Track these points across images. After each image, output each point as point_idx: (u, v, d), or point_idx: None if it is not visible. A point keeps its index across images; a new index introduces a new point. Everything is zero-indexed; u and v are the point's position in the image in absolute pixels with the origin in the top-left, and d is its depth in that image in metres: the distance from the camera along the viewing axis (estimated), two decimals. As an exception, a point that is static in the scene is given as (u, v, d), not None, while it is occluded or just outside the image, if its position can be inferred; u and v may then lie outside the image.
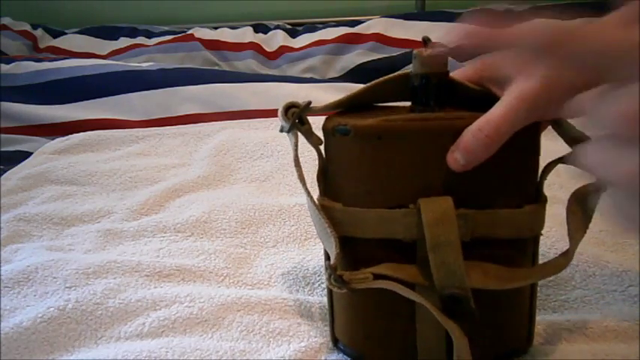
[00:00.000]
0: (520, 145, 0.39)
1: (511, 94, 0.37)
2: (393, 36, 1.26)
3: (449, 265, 0.37)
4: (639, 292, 0.52)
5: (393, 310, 0.42)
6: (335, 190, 0.43)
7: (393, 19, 1.30)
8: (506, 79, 0.39)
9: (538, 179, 0.42)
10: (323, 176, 0.44)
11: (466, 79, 0.43)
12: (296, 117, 0.42)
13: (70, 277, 0.55)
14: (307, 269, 0.58)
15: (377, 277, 0.39)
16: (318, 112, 0.43)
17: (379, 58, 1.22)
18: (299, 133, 0.43)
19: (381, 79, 0.43)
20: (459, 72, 0.44)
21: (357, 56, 1.24)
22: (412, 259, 0.40)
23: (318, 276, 0.57)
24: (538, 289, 0.52)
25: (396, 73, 0.43)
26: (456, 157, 0.38)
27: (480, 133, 0.37)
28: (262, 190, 0.77)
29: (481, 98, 0.41)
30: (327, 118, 0.43)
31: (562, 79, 0.36)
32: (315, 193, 0.44)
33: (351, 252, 0.41)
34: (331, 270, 0.38)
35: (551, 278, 0.54)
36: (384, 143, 0.39)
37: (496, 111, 0.37)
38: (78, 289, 0.53)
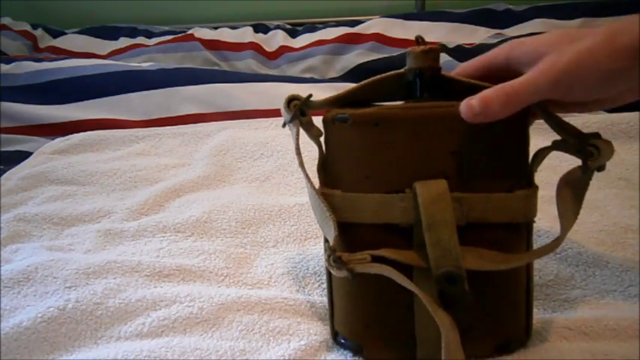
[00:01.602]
0: (510, 132, 0.41)
1: (540, 65, 0.39)
2: (393, 36, 1.26)
3: (444, 243, 0.39)
4: (639, 292, 0.52)
5: (393, 299, 0.43)
6: (334, 178, 0.44)
7: (393, 19, 1.30)
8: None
9: (529, 166, 0.44)
10: (323, 168, 0.46)
11: (467, 75, 0.45)
12: (298, 109, 0.45)
13: (70, 277, 0.55)
14: (307, 269, 0.58)
15: (375, 259, 0.40)
16: (317, 105, 0.46)
17: (379, 58, 1.22)
18: (300, 126, 0.46)
19: (377, 76, 0.45)
20: (460, 69, 0.46)
21: (356, 56, 1.24)
22: (409, 244, 0.42)
23: (318, 276, 0.57)
24: (538, 288, 0.52)
25: (391, 72, 0.45)
26: (472, 104, 0.39)
27: (501, 89, 0.39)
28: (262, 190, 0.77)
29: (474, 91, 0.42)
30: (326, 111, 0.45)
31: (596, 61, 0.38)
32: (316, 187, 0.45)
33: (350, 237, 0.43)
34: (330, 251, 0.40)
35: (550, 278, 0.55)
36: (381, 129, 0.41)
37: (521, 77, 0.39)
38: (78, 289, 0.53)
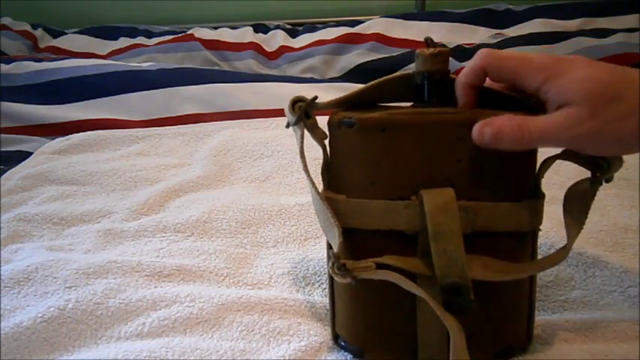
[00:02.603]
0: None
1: (562, 119, 0.37)
2: (393, 36, 1.26)
3: (450, 254, 0.38)
4: (639, 292, 0.52)
5: (395, 302, 0.42)
6: (339, 182, 0.44)
7: (393, 19, 1.30)
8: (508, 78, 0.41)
9: (536, 175, 0.43)
10: (327, 171, 0.45)
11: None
12: (303, 111, 0.44)
13: (70, 277, 0.55)
14: (307, 269, 0.58)
15: (379, 267, 0.40)
16: (323, 107, 0.45)
17: (379, 58, 1.22)
18: (304, 129, 0.45)
19: (384, 78, 0.44)
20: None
21: (357, 56, 1.24)
22: (414, 251, 0.41)
23: (318, 276, 0.57)
24: (538, 289, 0.52)
25: (398, 73, 0.45)
26: (485, 131, 0.39)
27: (517, 126, 0.38)
28: (262, 190, 0.77)
29: (484, 95, 0.42)
30: (332, 113, 0.44)
31: (620, 134, 0.37)
32: (319, 190, 0.44)
33: (354, 243, 0.42)
34: (334, 258, 0.39)
35: (550, 279, 0.55)
36: (388, 135, 0.41)
37: (540, 120, 0.38)
38: (78, 289, 0.53)
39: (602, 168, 0.41)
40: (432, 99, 0.43)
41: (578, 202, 0.44)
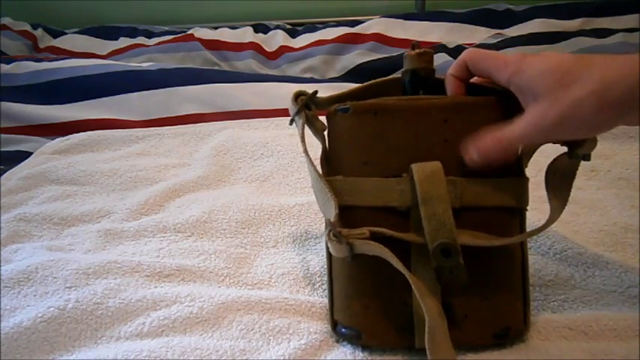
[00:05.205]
0: (499, 122, 0.43)
1: (530, 117, 0.41)
2: (393, 36, 1.26)
3: (439, 217, 0.41)
4: (639, 292, 0.52)
5: (391, 281, 0.44)
6: (336, 166, 0.47)
7: (393, 19, 1.30)
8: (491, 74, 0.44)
9: (519, 155, 0.46)
10: (325, 160, 0.49)
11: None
12: (304, 102, 0.49)
13: (70, 277, 0.55)
14: (307, 269, 0.58)
15: (374, 237, 0.42)
16: (322, 102, 0.50)
17: (379, 58, 1.22)
18: (305, 119, 0.49)
19: (378, 79, 0.49)
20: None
21: (357, 56, 1.24)
22: (406, 227, 0.43)
23: (319, 276, 0.57)
24: (538, 288, 0.53)
25: (392, 76, 0.49)
26: (472, 157, 0.42)
27: (497, 140, 0.42)
28: (262, 190, 0.77)
29: (469, 93, 0.46)
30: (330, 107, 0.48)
31: (584, 114, 0.39)
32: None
33: (350, 220, 0.44)
34: (331, 226, 0.42)
35: (550, 278, 0.55)
36: (380, 118, 0.44)
37: (514, 127, 0.42)
38: (78, 289, 0.53)
39: (576, 142, 0.45)
40: (419, 93, 0.47)
41: (559, 177, 0.47)
